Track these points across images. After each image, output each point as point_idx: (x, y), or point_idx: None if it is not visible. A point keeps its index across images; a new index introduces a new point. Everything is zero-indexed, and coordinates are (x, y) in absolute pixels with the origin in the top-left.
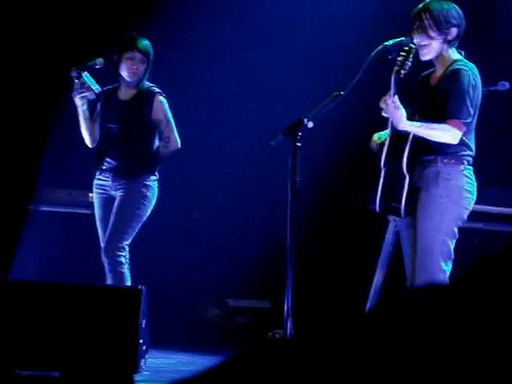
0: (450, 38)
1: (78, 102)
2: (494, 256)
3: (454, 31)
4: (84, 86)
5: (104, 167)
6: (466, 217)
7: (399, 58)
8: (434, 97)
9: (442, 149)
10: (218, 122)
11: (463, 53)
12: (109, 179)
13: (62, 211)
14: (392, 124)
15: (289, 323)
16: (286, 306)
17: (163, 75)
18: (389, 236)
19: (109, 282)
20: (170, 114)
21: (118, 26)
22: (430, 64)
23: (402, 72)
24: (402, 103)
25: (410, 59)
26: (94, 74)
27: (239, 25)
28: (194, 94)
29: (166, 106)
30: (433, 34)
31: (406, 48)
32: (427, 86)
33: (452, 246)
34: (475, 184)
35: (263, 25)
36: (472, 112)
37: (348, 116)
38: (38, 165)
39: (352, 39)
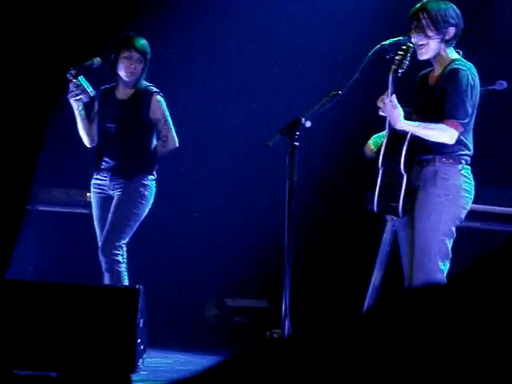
0: (447, 37)
1: (74, 104)
2: (493, 255)
3: (451, 31)
4: (79, 89)
5: (102, 167)
6: (463, 216)
7: (397, 57)
8: (431, 96)
9: (440, 148)
10: (216, 121)
11: (461, 52)
12: (107, 179)
13: (59, 211)
14: (390, 123)
15: (287, 323)
16: (284, 306)
17: (162, 74)
18: (386, 235)
19: (106, 281)
20: (167, 114)
21: (116, 25)
22: (428, 63)
23: (400, 71)
24: (399, 102)
25: (408, 58)
26: (92, 74)
27: (239, 25)
28: (193, 94)
29: (164, 105)
30: (430, 33)
31: (404, 47)
32: (425, 85)
33: (450, 246)
34: (473, 183)
35: (263, 25)
36: (470, 112)
37: (346, 115)
38: (35, 164)
39: (352, 39)
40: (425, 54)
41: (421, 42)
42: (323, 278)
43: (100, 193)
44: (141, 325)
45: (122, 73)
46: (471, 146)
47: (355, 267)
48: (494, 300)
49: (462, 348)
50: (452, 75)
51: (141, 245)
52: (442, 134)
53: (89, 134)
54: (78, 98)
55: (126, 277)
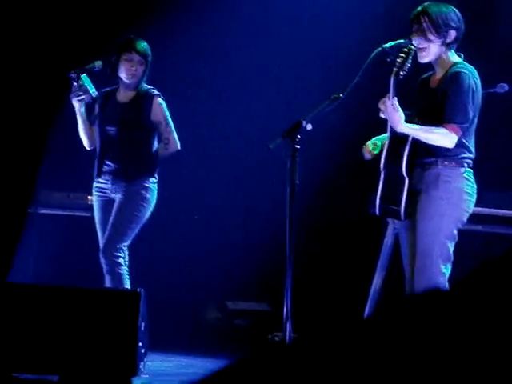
0: (448, 40)
1: (76, 104)
2: (496, 261)
3: (452, 34)
4: (82, 89)
5: (103, 170)
6: (465, 219)
7: (398, 60)
8: (433, 99)
9: (442, 151)
10: (217, 123)
11: (462, 55)
12: (108, 182)
13: (60, 214)
14: (391, 127)
15: (288, 326)
16: (285, 309)
17: (163, 76)
18: (388, 238)
19: (107, 283)
20: (169, 116)
21: (117, 28)
22: (429, 66)
23: (402, 73)
24: (401, 106)
25: (410, 61)
26: (93, 77)
27: (239, 25)
28: (194, 96)
29: (165, 108)
30: (431, 36)
31: (405, 49)
32: (427, 88)
33: (451, 249)
34: (475, 186)
35: (263, 25)
36: (470, 116)
37: (347, 118)
38: (37, 167)
39: (353, 40)
40: (425, 57)
41: (421, 46)
42: (324, 280)
43: (102, 196)
44: (142, 328)
45: (122, 75)
46: (473, 149)
47: (356, 270)
48: (497, 306)
49: (465, 354)
50: (453, 78)
51: (142, 247)
52: (443, 138)
53: (89, 136)
54: (80, 98)
55: (127, 279)
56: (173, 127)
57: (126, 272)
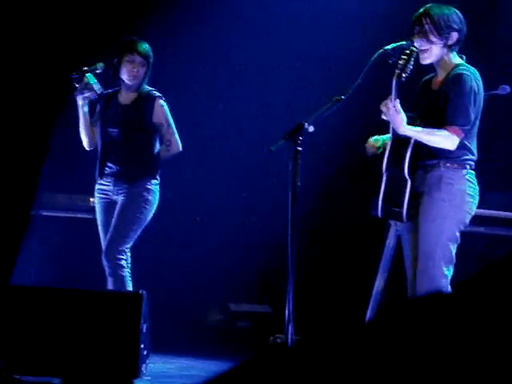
0: (450, 42)
1: (80, 101)
2: (499, 263)
3: (454, 36)
4: (87, 87)
5: (105, 172)
6: (468, 221)
7: (400, 62)
8: (435, 101)
9: (444, 153)
10: (219, 125)
11: (464, 57)
12: (110, 184)
13: (62, 216)
14: (393, 129)
15: (290, 328)
16: (287, 311)
17: (164, 78)
18: (390, 240)
19: (109, 285)
20: (170, 118)
21: (119, 30)
22: (432, 68)
23: (404, 75)
24: (403, 108)
25: (412, 63)
26: (95, 79)
27: (239, 26)
28: (195, 97)
29: (167, 109)
30: (433, 38)
31: (407, 51)
32: (429, 90)
33: (454, 251)
34: (477, 188)
35: (263, 26)
36: (472, 118)
37: (349, 120)
38: (40, 169)
39: (354, 42)
40: (427, 59)
41: (423, 47)
42: (326, 282)
43: (104, 198)
44: (144, 330)
45: (124, 76)
46: (475, 151)
47: (358, 272)
48: (499, 308)
49: (468, 357)
50: (455, 80)
51: (144, 249)
52: (444, 140)
53: (89, 136)
54: (85, 95)
55: (129, 281)
56: (174, 129)
57: (128, 274)
